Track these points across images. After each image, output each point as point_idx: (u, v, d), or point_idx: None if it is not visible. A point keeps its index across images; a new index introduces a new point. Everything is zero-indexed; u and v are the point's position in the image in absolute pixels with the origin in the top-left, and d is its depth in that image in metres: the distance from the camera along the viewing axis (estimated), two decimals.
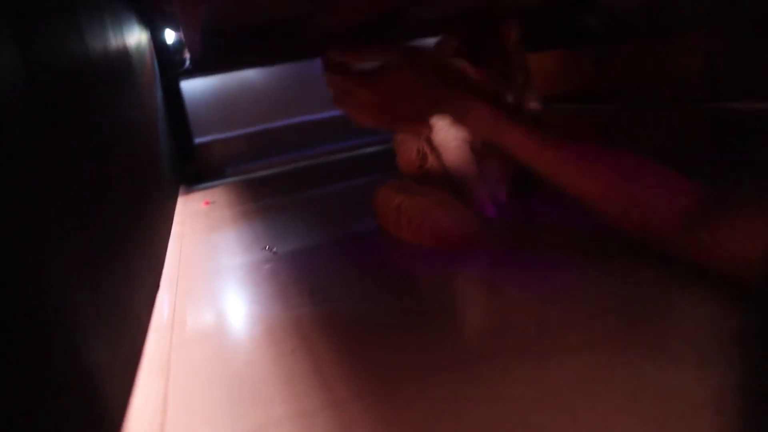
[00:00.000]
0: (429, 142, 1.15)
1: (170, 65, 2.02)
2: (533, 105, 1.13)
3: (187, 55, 2.01)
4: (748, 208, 0.59)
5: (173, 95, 2.10)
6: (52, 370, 0.40)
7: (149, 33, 1.84)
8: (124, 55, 1.11)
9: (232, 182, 2.11)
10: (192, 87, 2.31)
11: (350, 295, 0.89)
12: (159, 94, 1.83)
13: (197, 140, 2.32)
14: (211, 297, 0.97)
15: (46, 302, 0.40)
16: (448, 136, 1.11)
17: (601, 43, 1.51)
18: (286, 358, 0.70)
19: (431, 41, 1.17)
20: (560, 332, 0.66)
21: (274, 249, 1.14)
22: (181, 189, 2.06)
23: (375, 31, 2.09)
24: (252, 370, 0.70)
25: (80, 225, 0.56)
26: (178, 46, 1.97)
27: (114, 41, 0.99)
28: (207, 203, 1.77)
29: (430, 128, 1.06)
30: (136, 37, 1.41)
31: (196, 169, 2.23)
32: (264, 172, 2.23)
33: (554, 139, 0.77)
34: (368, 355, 0.69)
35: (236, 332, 0.83)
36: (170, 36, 1.96)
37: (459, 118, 0.93)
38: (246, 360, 0.73)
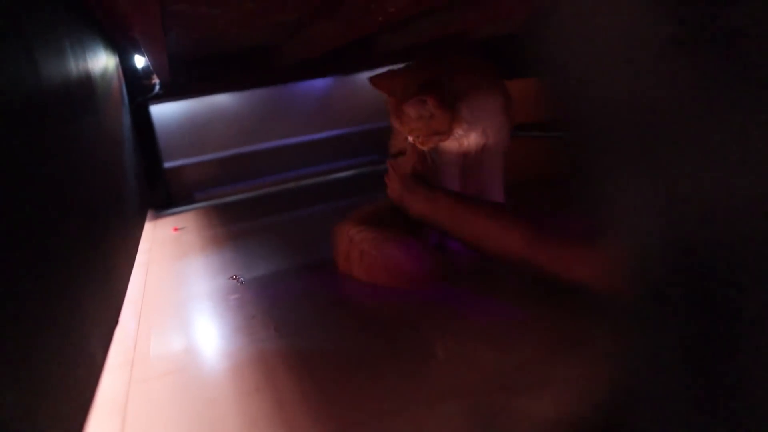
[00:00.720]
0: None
1: (140, 90, 1.99)
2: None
3: (156, 81, 1.98)
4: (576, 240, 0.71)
5: (143, 119, 2.06)
6: None
7: (118, 58, 1.81)
8: (86, 81, 1.08)
9: (201, 207, 2.08)
10: (162, 111, 2.28)
11: (316, 330, 0.87)
12: (126, 119, 1.80)
13: (167, 164, 2.29)
14: (175, 330, 0.94)
15: None
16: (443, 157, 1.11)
17: None
18: (250, 396, 0.68)
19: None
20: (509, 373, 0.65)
21: (241, 279, 1.12)
22: (151, 214, 2.02)
23: (347, 59, 2.10)
24: (214, 409, 0.67)
25: (24, 264, 0.53)
26: (149, 70, 1.95)
27: (75, 68, 0.97)
28: (176, 229, 1.74)
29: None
30: (102, 62, 1.38)
31: (165, 194, 2.19)
32: (234, 197, 2.20)
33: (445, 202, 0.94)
34: (331, 394, 0.66)
35: (199, 368, 0.80)
36: (140, 61, 1.93)
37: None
38: (208, 398, 0.70)
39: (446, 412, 0.59)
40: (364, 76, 2.59)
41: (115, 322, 0.91)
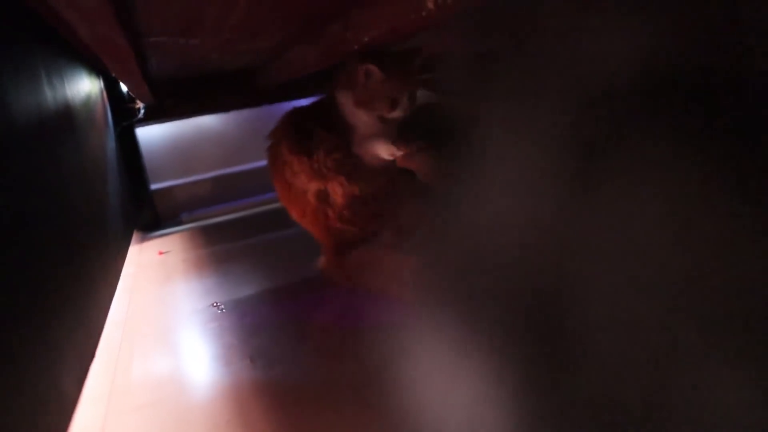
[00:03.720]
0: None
1: (125, 113, 2.00)
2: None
3: (140, 104, 1.99)
4: None
5: (129, 142, 2.07)
6: None
7: (102, 83, 1.82)
8: (64, 106, 1.09)
9: (187, 229, 2.08)
10: (149, 133, 2.29)
11: (291, 359, 0.87)
12: (111, 143, 1.80)
13: (154, 186, 2.29)
14: (156, 362, 0.94)
15: None
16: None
17: None
18: (221, 429, 0.68)
19: None
20: None
21: (222, 306, 1.12)
22: (137, 236, 2.02)
23: (330, 78, 2.11)
24: None
25: None
26: (132, 95, 1.96)
27: (51, 96, 0.98)
28: (161, 253, 1.74)
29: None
30: (84, 88, 1.39)
31: (152, 216, 2.19)
32: (220, 218, 2.20)
33: None
34: (301, 427, 0.67)
35: (176, 400, 0.79)
36: (125, 85, 1.94)
37: None
38: (180, 431, 0.70)
39: None
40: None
41: (92, 356, 0.91)
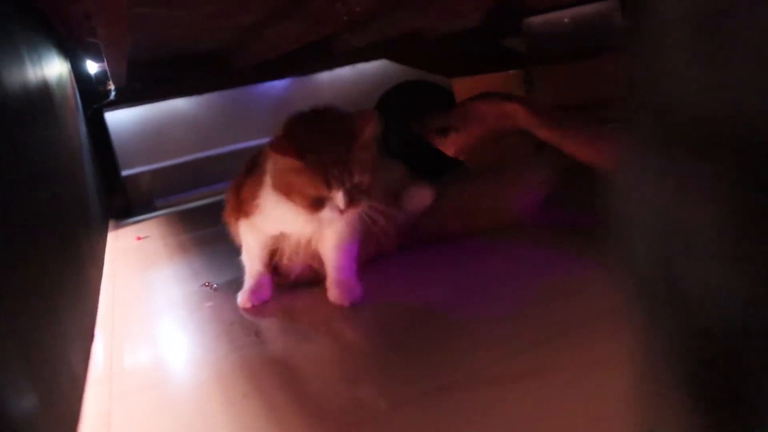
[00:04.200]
0: None
1: (94, 96, 1.93)
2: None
3: (111, 86, 1.93)
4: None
5: (98, 127, 2.01)
6: None
7: (69, 64, 1.76)
8: (44, 88, 1.04)
9: (163, 215, 2.04)
10: (117, 118, 2.22)
11: (296, 332, 0.86)
12: (82, 127, 1.74)
13: (125, 172, 2.23)
14: (152, 342, 0.92)
15: None
16: None
17: (528, 67, 1.55)
18: (239, 403, 0.67)
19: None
20: None
21: (214, 285, 1.10)
22: (111, 224, 1.97)
23: (305, 60, 2.08)
24: (202, 420, 0.66)
25: (3, 279, 0.51)
26: (102, 76, 1.90)
27: (33, 74, 0.94)
28: (139, 238, 1.70)
29: None
30: (56, 68, 1.34)
31: (125, 203, 2.13)
32: (195, 203, 2.16)
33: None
34: (324, 395, 0.66)
35: (182, 379, 0.78)
36: (92, 67, 1.88)
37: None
38: (195, 409, 0.69)
39: (444, 406, 0.59)
40: (323, 76, 2.58)
41: (92, 336, 0.89)
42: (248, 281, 0.98)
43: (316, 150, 0.78)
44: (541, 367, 0.63)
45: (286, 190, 0.82)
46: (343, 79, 2.60)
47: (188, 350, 0.87)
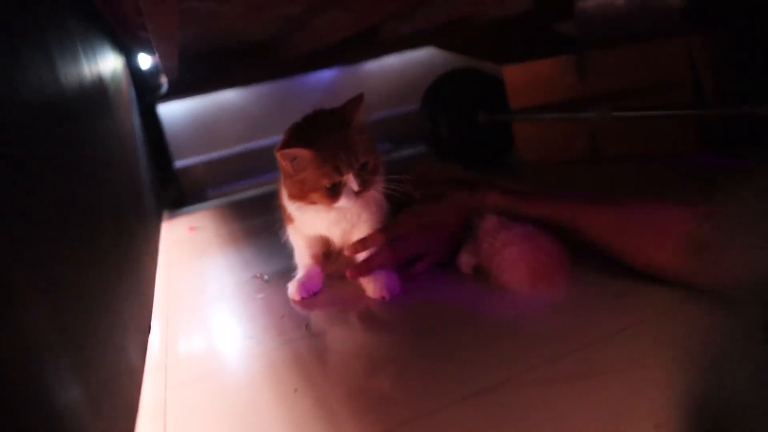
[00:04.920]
0: None
1: (147, 90, 1.98)
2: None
3: (163, 79, 1.97)
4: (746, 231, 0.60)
5: (151, 120, 2.06)
6: (41, 423, 0.37)
7: (124, 59, 1.80)
8: (100, 83, 1.07)
9: (215, 205, 2.07)
10: (170, 110, 2.27)
11: (348, 325, 0.86)
12: (137, 120, 1.79)
13: (178, 164, 2.28)
14: (206, 334, 0.93)
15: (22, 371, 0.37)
16: None
17: (581, 51, 1.51)
18: (289, 397, 0.67)
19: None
20: None
21: (265, 276, 1.11)
22: (165, 215, 2.02)
23: (352, 48, 2.08)
24: (253, 412, 0.66)
25: (66, 276, 0.52)
26: (154, 70, 1.94)
27: (89, 70, 0.96)
28: (192, 229, 1.73)
29: None
30: (111, 63, 1.37)
31: (178, 194, 2.18)
32: (246, 193, 2.19)
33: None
34: (374, 389, 0.66)
35: (234, 371, 0.79)
36: (145, 61, 1.92)
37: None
38: (246, 401, 0.69)
39: (494, 406, 0.58)
40: (371, 65, 2.57)
41: (148, 328, 0.91)
42: (299, 273, 0.99)
43: (320, 142, 0.82)
44: (595, 369, 0.60)
45: (302, 193, 0.87)
46: (390, 67, 2.58)
47: (240, 341, 0.88)
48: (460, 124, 1.70)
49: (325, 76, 2.48)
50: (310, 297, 0.96)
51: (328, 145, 0.82)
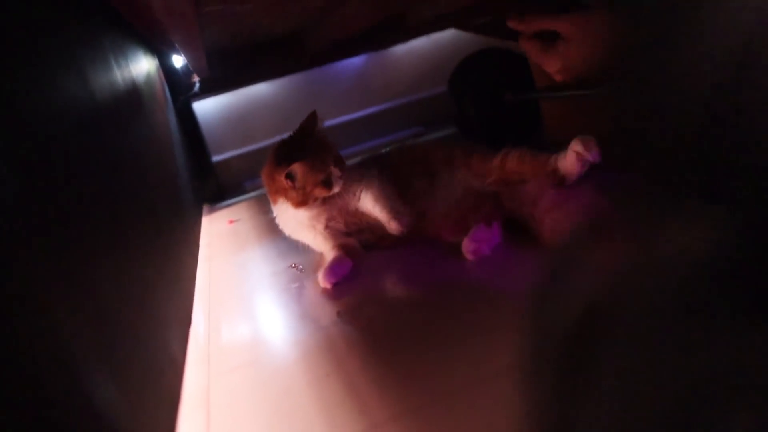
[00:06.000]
0: None
1: (181, 88, 2.04)
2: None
3: (196, 78, 2.02)
4: None
5: (187, 117, 2.12)
6: (81, 423, 0.41)
7: (157, 60, 1.86)
8: (133, 89, 1.12)
9: (252, 197, 2.13)
10: (205, 107, 2.33)
11: (378, 313, 0.89)
12: (173, 118, 1.85)
13: (215, 158, 2.35)
14: (244, 323, 0.98)
15: (60, 369, 0.41)
16: None
17: None
18: (322, 382, 0.71)
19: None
20: None
21: (300, 267, 1.15)
22: (205, 208, 2.08)
23: (380, 34, 2.08)
24: (289, 397, 0.70)
25: (107, 274, 0.56)
26: (187, 69, 1.99)
27: (121, 78, 1.00)
28: (231, 222, 1.79)
29: None
30: (144, 67, 1.42)
31: (217, 188, 2.25)
32: None
33: None
34: (404, 375, 0.69)
35: (271, 359, 0.83)
36: (178, 60, 1.97)
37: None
38: (282, 387, 0.73)
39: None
40: (398, 49, 2.57)
41: (189, 320, 0.96)
42: (326, 261, 1.05)
43: (302, 155, 1.04)
44: None
45: (305, 197, 1.07)
46: (418, 50, 2.58)
47: (277, 330, 0.92)
48: (486, 104, 1.70)
49: (355, 63, 2.49)
50: (342, 282, 1.01)
51: (308, 154, 1.04)
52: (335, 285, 1.00)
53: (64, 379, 0.39)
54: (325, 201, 1.09)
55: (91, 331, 0.46)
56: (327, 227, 1.12)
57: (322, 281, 1.00)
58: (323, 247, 1.13)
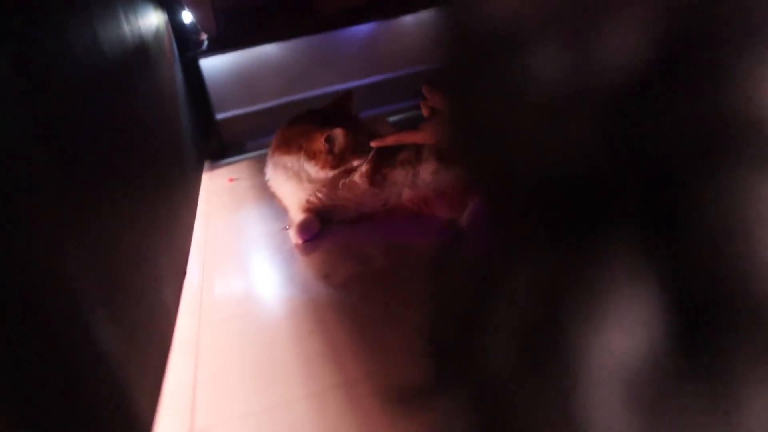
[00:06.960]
0: None
1: (189, 45, 2.04)
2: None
3: (204, 35, 2.03)
4: None
5: (193, 74, 2.13)
6: (84, 361, 0.45)
7: (166, 15, 1.86)
8: (141, 43, 1.14)
9: (253, 156, 2.15)
10: (212, 64, 2.34)
11: (364, 278, 0.93)
12: (179, 74, 1.86)
13: (219, 116, 2.36)
14: (236, 279, 1.02)
15: (64, 311, 0.45)
16: None
17: None
18: (304, 338, 0.75)
19: None
20: None
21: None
22: (206, 165, 2.11)
23: (389, 3, 2.08)
24: (273, 350, 0.74)
25: (101, 220, 0.60)
26: (195, 26, 1.99)
27: (128, 30, 1.02)
28: (231, 180, 1.82)
29: None
30: (152, 21, 1.44)
31: (219, 145, 2.27)
32: None
33: None
34: (380, 337, 0.73)
35: (259, 313, 0.87)
36: (187, 17, 1.98)
37: None
38: (267, 341, 0.77)
39: None
40: (407, 19, 2.57)
41: (184, 272, 1.00)
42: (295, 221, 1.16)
43: (342, 124, 1.13)
44: None
45: (339, 159, 1.14)
46: (427, 21, 2.56)
47: (267, 287, 0.96)
48: None
49: (363, 30, 2.49)
50: (310, 240, 1.10)
51: (349, 125, 1.14)
52: (306, 242, 1.09)
53: (69, 315, 0.42)
54: (345, 170, 1.15)
55: (93, 273, 0.49)
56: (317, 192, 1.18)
57: (295, 237, 1.10)
58: (296, 204, 1.19)
